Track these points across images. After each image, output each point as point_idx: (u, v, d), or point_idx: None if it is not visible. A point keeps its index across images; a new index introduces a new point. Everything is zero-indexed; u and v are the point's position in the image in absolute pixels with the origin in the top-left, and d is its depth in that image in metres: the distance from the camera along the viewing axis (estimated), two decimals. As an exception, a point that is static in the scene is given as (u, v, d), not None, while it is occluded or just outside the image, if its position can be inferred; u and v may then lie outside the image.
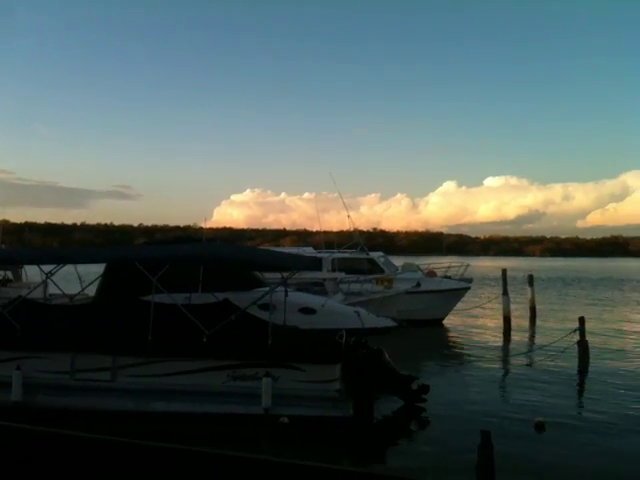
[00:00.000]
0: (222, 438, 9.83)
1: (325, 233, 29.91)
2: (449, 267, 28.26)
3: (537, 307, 28.11)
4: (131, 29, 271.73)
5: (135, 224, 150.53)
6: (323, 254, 25.17)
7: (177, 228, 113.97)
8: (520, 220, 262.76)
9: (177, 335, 10.97)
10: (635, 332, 23.55)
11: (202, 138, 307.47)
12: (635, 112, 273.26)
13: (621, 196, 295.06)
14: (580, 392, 14.18)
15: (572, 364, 15.81)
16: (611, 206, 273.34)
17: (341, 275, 23.59)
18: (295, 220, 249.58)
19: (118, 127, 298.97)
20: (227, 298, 12.16)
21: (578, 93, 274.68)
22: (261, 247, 29.22)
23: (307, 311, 16.08)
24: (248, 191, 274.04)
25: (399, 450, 10.14)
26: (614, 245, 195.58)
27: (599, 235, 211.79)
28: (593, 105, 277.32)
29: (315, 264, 22.37)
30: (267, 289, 12.07)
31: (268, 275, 15.39)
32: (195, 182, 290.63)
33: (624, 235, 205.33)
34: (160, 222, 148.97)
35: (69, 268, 14.54)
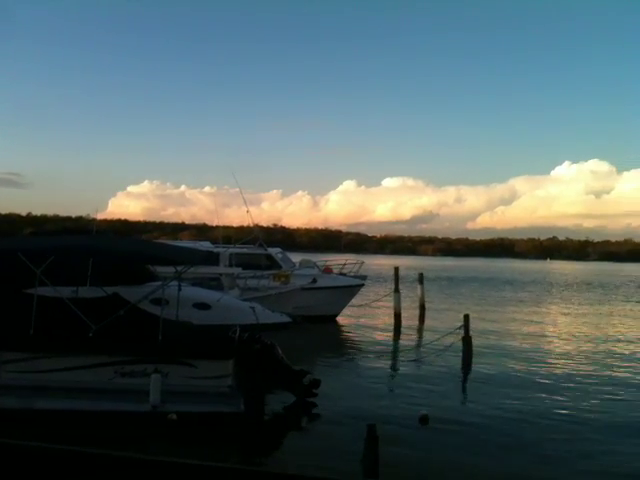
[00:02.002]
0: (108, 437, 9.51)
1: (225, 228, 29.65)
2: (345, 264, 28.79)
3: (427, 304, 29.22)
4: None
5: (23, 213, 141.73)
6: (220, 249, 24.91)
7: (68, 219, 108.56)
8: (415, 220, 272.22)
9: (62, 330, 10.53)
10: (517, 329, 24.98)
11: (100, 126, 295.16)
12: (523, 120, 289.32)
13: (509, 200, 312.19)
14: (463, 386, 14.87)
15: (457, 359, 16.54)
16: (500, 209, 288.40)
17: (238, 270, 23.44)
18: (195, 214, 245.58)
19: (9, 111, 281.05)
20: (116, 292, 11.81)
21: (471, 100, 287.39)
22: (157, 241, 28.51)
23: (201, 306, 15.88)
24: (146, 182, 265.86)
25: (289, 445, 10.26)
26: (501, 246, 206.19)
27: (488, 236, 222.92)
28: (486, 112, 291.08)
29: (211, 259, 22.12)
30: (160, 283, 11.82)
31: (164, 270, 15.05)
32: (91, 171, 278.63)
33: (510, 237, 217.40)
34: (50, 212, 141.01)
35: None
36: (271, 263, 25.42)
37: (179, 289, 12.36)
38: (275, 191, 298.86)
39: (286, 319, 16.93)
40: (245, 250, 25.90)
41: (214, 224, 29.92)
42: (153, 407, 10.19)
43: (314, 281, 24.54)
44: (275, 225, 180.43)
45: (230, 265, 24.21)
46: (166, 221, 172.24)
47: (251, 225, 27.81)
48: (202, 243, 26.54)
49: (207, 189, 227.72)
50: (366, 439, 7.53)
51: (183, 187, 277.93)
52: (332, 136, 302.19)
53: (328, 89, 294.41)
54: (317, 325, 22.33)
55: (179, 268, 12.04)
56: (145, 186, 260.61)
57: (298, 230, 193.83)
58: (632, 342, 22.32)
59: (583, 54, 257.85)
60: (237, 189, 28.69)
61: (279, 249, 27.30)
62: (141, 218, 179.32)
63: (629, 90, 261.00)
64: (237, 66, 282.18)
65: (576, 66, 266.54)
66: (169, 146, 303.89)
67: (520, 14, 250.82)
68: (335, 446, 9.56)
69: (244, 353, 11.35)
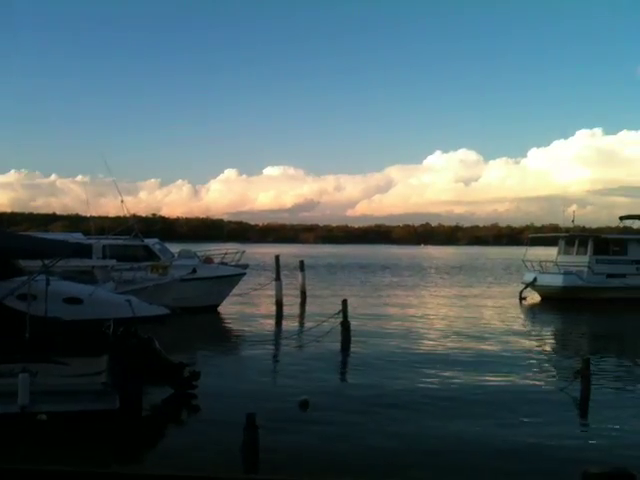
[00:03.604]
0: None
1: (99, 218, 28.41)
2: (226, 254, 28.52)
3: (308, 291, 29.69)
4: None
5: None
6: (93, 240, 23.86)
7: None
8: (297, 208, 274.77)
9: None
10: (394, 313, 25.99)
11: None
12: (398, 110, 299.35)
13: (386, 188, 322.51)
14: (342, 370, 15.30)
15: (336, 344, 16.95)
16: (377, 197, 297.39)
17: (112, 262, 22.58)
18: (67, 204, 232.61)
19: None
20: (-23, 289, 11.02)
21: (349, 91, 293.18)
22: (25, 233, 26.83)
23: (72, 301, 15.14)
24: (13, 172, 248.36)
25: (167, 440, 10.10)
26: (379, 233, 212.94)
27: (366, 223, 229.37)
28: (362, 103, 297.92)
29: (83, 251, 21.10)
30: (26, 278, 11.18)
31: (32, 264, 14.20)
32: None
33: (387, 224, 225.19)
34: None
35: None
36: (148, 254, 24.68)
37: (47, 283, 11.74)
38: (153, 180, 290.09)
39: (164, 311, 16.52)
40: (120, 241, 24.97)
41: (88, 215, 28.48)
42: (22, 408, 9.66)
43: (194, 272, 24.15)
44: (154, 215, 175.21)
45: (104, 257, 23.25)
46: (36, 212, 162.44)
47: (128, 215, 26.86)
48: (73, 235, 25.29)
49: (80, 178, 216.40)
50: (245, 428, 7.57)
51: (54, 176, 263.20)
52: (212, 124, 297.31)
53: (206, 76, 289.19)
54: (197, 316, 22.03)
55: (47, 261, 11.43)
56: (12, 175, 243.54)
57: (178, 220, 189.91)
58: (497, 321, 23.92)
59: (452, 48, 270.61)
60: (112, 178, 27.55)
61: (156, 240, 26.57)
62: (7, 209, 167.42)
63: (494, 82, 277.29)
64: (105, 49, 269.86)
65: (445, 59, 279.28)
66: (38, 134, 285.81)
67: (395, 11, 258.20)
68: (215, 437, 9.51)
69: (119, 348, 11.00)
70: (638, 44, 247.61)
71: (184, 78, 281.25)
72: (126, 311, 15.07)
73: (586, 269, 31.87)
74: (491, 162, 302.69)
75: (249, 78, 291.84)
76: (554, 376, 14.21)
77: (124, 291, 19.60)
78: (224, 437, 9.29)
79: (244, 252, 29.30)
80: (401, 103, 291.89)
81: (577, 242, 33.44)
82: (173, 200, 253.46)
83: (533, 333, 21.48)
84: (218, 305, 25.50)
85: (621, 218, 38.46)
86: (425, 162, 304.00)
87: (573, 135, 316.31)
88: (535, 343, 19.27)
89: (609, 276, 32.03)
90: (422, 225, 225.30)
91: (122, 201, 26.12)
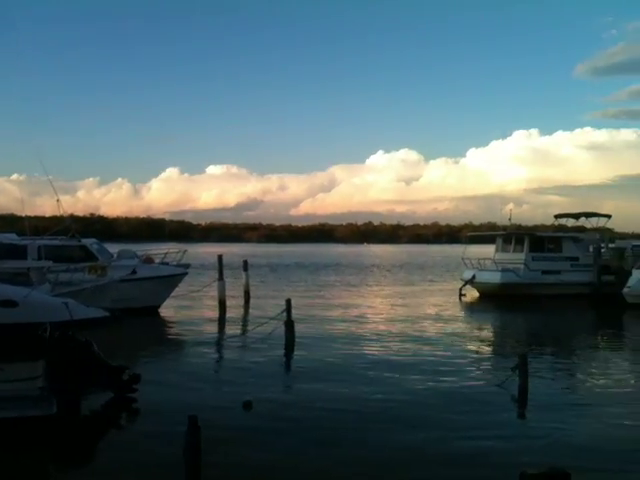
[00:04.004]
0: None
1: (36, 218, 27.49)
2: (167, 253, 28.06)
3: (251, 291, 29.53)
4: None
5: None
6: (27, 241, 23.09)
7: None
8: (240, 207, 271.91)
9: None
10: (337, 312, 26.16)
11: None
12: (341, 110, 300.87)
13: (329, 187, 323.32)
14: (286, 370, 15.30)
15: (280, 344, 16.92)
16: (320, 196, 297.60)
17: (48, 264, 21.88)
18: (1, 204, 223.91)
19: None
20: None
21: (291, 89, 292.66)
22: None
23: (6, 304, 14.55)
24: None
25: (106, 445, 9.89)
26: (322, 232, 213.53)
27: (310, 222, 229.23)
28: (305, 102, 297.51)
29: (16, 252, 20.48)
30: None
31: None
32: None
33: (330, 223, 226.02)
34: None
35: None
36: (86, 255, 24.03)
37: (-21, 286, 11.31)
38: (92, 178, 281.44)
39: (103, 313, 16.06)
40: (56, 242, 24.23)
41: (23, 214, 27.51)
42: (-48, 417, 9.27)
43: (133, 272, 23.67)
44: (92, 214, 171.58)
45: (39, 258, 22.51)
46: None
47: (65, 215, 26.11)
48: (7, 235, 24.44)
49: (15, 177, 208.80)
50: (187, 430, 7.47)
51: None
52: (152, 122, 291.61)
53: (146, 73, 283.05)
54: (138, 318, 21.60)
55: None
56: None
57: (118, 219, 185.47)
58: (437, 319, 24.40)
59: (394, 50, 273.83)
60: (48, 176, 26.63)
61: (94, 240, 25.92)
62: None
63: (435, 83, 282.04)
64: (50, 44, 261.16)
65: (386, 60, 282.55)
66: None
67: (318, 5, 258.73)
68: (156, 440, 9.38)
69: (56, 352, 10.70)
70: (574, 47, 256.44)
71: (123, 75, 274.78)
72: (63, 314, 14.60)
73: (522, 266, 32.87)
74: (431, 162, 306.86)
75: (190, 76, 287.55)
76: (492, 373, 14.56)
77: (61, 293, 19.03)
78: (166, 440, 9.15)
79: (186, 251, 28.86)
80: (344, 103, 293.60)
81: (514, 240, 34.46)
82: (113, 199, 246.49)
83: (471, 330, 22.00)
84: (159, 306, 25.06)
85: (556, 217, 39.88)
86: (368, 161, 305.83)
87: (510, 135, 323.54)
88: (473, 340, 19.73)
89: (544, 273, 33.13)
90: (365, 224, 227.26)
91: (58, 200, 25.34)
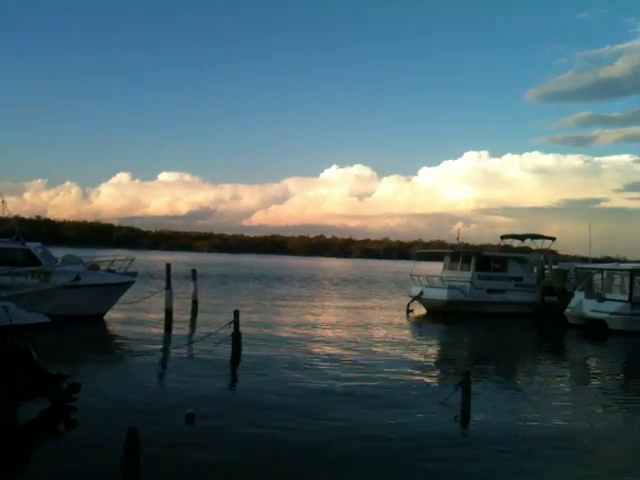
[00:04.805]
0: None
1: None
2: (114, 260, 27.50)
3: (200, 301, 29.17)
4: None
5: None
6: (-32, 243, 22.35)
7: None
8: (192, 216, 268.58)
9: None
10: (285, 325, 26.07)
11: None
12: (297, 123, 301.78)
13: (283, 199, 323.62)
14: (232, 382, 15.12)
15: (227, 355, 16.74)
16: (273, 207, 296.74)
17: (-12, 266, 21.25)
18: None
19: None
20: None
21: (246, 100, 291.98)
22: None
23: (-59, 307, 14.13)
24: None
25: (43, 455, 9.58)
26: (274, 243, 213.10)
27: (262, 233, 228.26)
28: (260, 113, 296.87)
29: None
30: None
31: None
32: None
33: (283, 235, 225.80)
34: None
35: None
36: (29, 259, 23.38)
37: None
38: (40, 180, 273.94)
39: (44, 319, 15.79)
40: (-1, 244, 23.54)
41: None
42: None
43: (77, 278, 23.13)
44: (39, 217, 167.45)
45: (-20, 261, 21.85)
46: None
47: (10, 217, 25.39)
48: (-54, 236, 23.62)
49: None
50: (126, 443, 7.29)
51: None
52: (104, 125, 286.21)
53: (100, 76, 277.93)
54: (81, 326, 21.13)
55: None
56: None
57: (65, 223, 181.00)
58: (384, 334, 24.60)
59: (347, 70, 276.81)
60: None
61: (39, 244, 25.25)
62: None
63: (389, 100, 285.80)
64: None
65: (341, 77, 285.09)
66: None
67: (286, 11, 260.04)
68: (93, 452, 9.14)
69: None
70: (526, 72, 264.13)
71: (75, 75, 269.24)
72: (2, 318, 14.30)
73: (469, 284, 33.50)
74: (384, 178, 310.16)
75: (143, 80, 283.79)
76: (435, 389, 14.75)
77: (1, 297, 18.49)
78: (104, 453, 8.93)
79: (133, 259, 28.31)
80: (300, 115, 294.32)
81: (461, 258, 35.11)
82: (60, 202, 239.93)
83: (417, 346, 22.20)
84: (104, 314, 24.51)
85: (502, 237, 40.84)
86: (322, 175, 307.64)
87: (461, 156, 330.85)
88: (418, 356, 19.90)
89: (490, 291, 33.84)
90: (317, 237, 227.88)
91: (3, 201, 24.65)
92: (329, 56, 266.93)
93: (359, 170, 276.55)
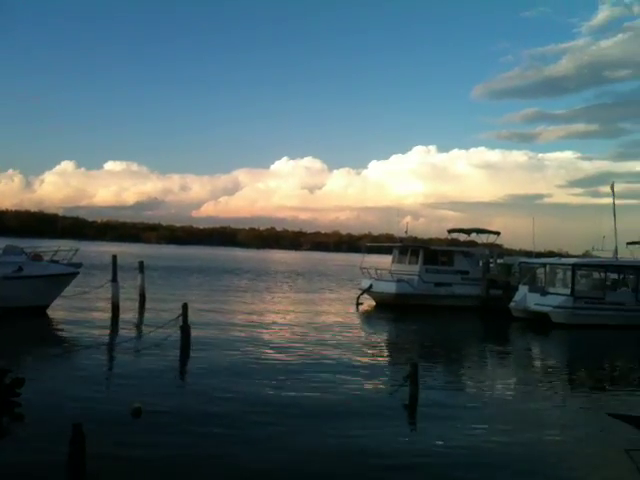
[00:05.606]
0: None
1: None
2: (57, 251, 26.75)
3: (147, 294, 28.73)
4: None
5: None
6: None
7: None
8: (139, 206, 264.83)
9: None
10: (235, 317, 25.97)
11: None
12: (249, 113, 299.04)
13: (233, 190, 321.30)
14: (181, 376, 14.98)
15: (176, 349, 16.57)
16: (223, 199, 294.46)
17: None
18: None
19: None
20: None
21: (196, 92, 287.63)
22: None
23: None
24: None
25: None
26: (224, 235, 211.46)
27: (211, 225, 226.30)
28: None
29: None
30: None
31: None
32: None
33: (233, 226, 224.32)
34: None
35: None
36: (-32, 250, 22.62)
37: None
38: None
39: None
40: None
41: None
42: None
43: (19, 269, 22.49)
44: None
45: None
46: None
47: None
48: None
49: None
50: (71, 439, 7.17)
51: None
52: (48, 112, 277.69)
53: (46, 61, 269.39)
54: (23, 318, 20.56)
55: None
56: None
57: (7, 212, 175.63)
58: (334, 327, 24.77)
59: (300, 65, 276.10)
60: None
61: (-21, 234, 24.41)
62: None
63: (340, 93, 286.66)
64: None
65: (292, 67, 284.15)
66: None
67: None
68: (38, 449, 8.93)
69: None
70: (473, 68, 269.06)
71: (16, 59, 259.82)
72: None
73: (417, 278, 34.04)
74: (335, 171, 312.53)
75: (91, 67, 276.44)
76: (384, 381, 14.93)
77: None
78: (48, 449, 8.75)
79: (78, 250, 27.59)
80: (250, 106, 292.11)
81: (409, 252, 35.63)
82: (2, 191, 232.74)
83: (366, 339, 22.43)
84: (47, 307, 23.90)
85: (449, 231, 41.56)
86: (273, 167, 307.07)
87: (410, 150, 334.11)
88: (367, 349, 20.10)
89: (437, 285, 34.44)
90: (267, 229, 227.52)
91: (-61, 190, 23.69)
92: (280, 50, 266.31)
93: (310, 162, 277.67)
